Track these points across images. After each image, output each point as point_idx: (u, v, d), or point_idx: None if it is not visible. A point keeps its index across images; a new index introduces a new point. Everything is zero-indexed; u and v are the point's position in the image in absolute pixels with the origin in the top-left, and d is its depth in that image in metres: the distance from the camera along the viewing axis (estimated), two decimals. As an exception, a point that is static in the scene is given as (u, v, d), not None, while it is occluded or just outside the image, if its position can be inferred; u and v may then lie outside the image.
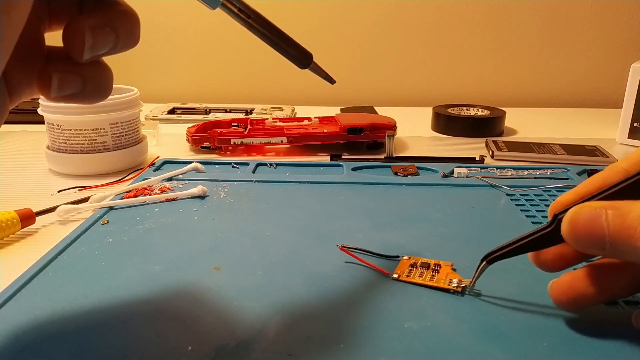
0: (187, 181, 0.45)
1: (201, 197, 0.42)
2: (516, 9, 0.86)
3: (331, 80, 0.28)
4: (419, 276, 0.29)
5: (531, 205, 0.41)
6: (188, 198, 0.41)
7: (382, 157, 0.54)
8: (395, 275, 0.29)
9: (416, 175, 0.48)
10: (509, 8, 0.86)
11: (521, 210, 0.40)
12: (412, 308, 0.27)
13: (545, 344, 0.24)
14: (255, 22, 0.24)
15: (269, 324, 0.25)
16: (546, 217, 0.38)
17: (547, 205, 0.41)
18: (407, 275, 0.29)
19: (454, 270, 0.30)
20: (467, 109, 0.70)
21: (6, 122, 0.69)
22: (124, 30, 0.22)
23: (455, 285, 0.28)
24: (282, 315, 0.26)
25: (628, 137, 0.61)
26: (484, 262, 0.27)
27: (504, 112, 0.68)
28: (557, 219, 0.24)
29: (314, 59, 0.27)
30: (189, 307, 0.26)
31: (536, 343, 0.24)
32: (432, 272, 0.29)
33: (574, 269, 0.25)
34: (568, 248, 0.25)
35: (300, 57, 0.26)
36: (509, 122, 0.70)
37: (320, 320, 0.25)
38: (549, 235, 0.25)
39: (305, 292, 0.28)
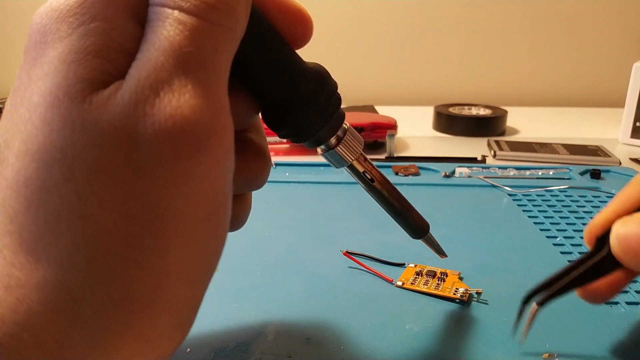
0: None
1: (201, 197, 0.41)
2: (518, 8, 0.85)
3: (443, 254, 0.26)
4: (423, 284, 0.28)
5: (533, 205, 0.40)
6: (187, 198, 0.41)
7: (383, 157, 0.54)
8: (399, 283, 0.28)
9: (417, 175, 0.47)
10: (511, 7, 0.85)
11: (523, 211, 0.39)
12: (413, 310, 0.26)
13: (548, 345, 0.23)
14: (379, 186, 0.22)
15: (268, 326, 0.25)
16: (548, 217, 0.38)
17: (549, 206, 0.40)
18: (412, 283, 0.28)
19: (461, 279, 0.29)
20: (468, 108, 0.70)
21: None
22: (261, 180, 0.21)
23: (461, 295, 0.27)
24: (281, 317, 0.25)
25: (631, 137, 0.61)
26: (538, 307, 0.22)
27: (506, 112, 0.68)
28: (605, 242, 0.21)
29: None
30: (188, 308, 0.26)
31: (538, 344, 0.24)
32: (438, 280, 0.28)
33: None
34: (620, 271, 0.22)
35: (418, 227, 0.24)
36: (510, 122, 0.69)
37: (320, 322, 0.25)
38: (602, 262, 0.21)
39: (305, 293, 0.28)
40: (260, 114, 0.20)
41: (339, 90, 0.20)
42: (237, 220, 0.21)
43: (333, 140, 0.20)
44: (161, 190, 0.13)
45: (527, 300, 0.22)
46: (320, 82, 0.19)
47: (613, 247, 0.21)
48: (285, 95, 0.18)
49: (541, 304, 0.22)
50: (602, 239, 0.21)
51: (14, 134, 0.14)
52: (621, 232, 0.20)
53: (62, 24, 0.14)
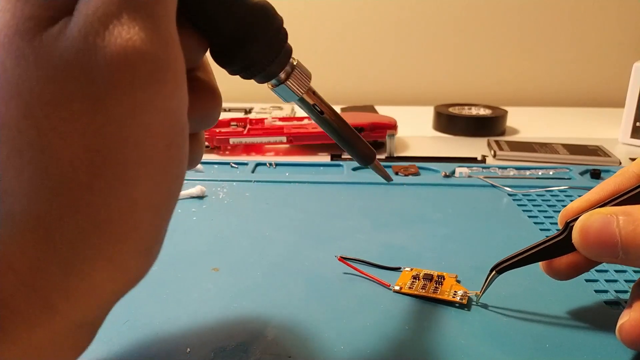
0: (186, 181, 0.45)
1: (200, 197, 0.41)
2: (518, 8, 0.85)
3: (388, 178, 0.27)
4: (421, 288, 0.28)
5: (533, 205, 0.40)
6: (187, 198, 0.41)
7: (383, 156, 0.54)
8: (396, 287, 0.28)
9: (417, 175, 0.47)
10: (510, 7, 0.85)
11: (523, 211, 0.39)
12: (413, 310, 0.26)
13: (547, 345, 0.24)
14: (329, 117, 0.23)
15: (268, 326, 0.25)
16: (548, 217, 0.38)
17: (550, 206, 0.40)
18: (410, 288, 0.28)
19: (459, 281, 0.29)
20: (468, 108, 0.70)
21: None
22: (212, 117, 0.21)
23: (460, 297, 0.27)
24: (281, 317, 0.25)
25: (630, 137, 0.61)
26: (494, 272, 0.26)
27: (506, 112, 0.68)
28: (568, 226, 0.24)
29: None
30: (188, 308, 0.26)
31: (538, 344, 0.24)
32: (436, 284, 0.28)
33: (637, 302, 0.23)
34: (581, 255, 0.24)
35: (365, 155, 0.25)
36: (510, 122, 0.69)
37: (320, 322, 0.25)
38: (561, 243, 0.24)
39: (305, 293, 0.28)
40: (209, 53, 0.20)
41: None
42: (192, 158, 0.21)
43: (282, 75, 0.21)
44: (119, 121, 0.14)
45: (494, 269, 0.26)
46: (266, 17, 0.19)
47: (573, 234, 0.23)
48: (232, 30, 0.19)
49: (499, 271, 0.26)
50: (570, 223, 0.24)
51: None
52: (584, 224, 0.22)
53: None
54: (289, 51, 0.21)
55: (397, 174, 0.47)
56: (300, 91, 0.22)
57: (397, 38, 0.87)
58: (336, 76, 0.88)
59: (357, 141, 0.25)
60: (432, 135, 0.66)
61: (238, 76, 0.21)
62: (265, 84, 0.21)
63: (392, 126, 0.57)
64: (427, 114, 0.71)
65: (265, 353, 0.23)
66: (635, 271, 0.30)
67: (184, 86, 0.16)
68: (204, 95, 0.20)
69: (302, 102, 0.22)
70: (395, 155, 0.54)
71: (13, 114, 0.14)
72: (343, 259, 0.30)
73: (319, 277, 0.29)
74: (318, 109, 0.23)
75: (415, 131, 0.67)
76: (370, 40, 0.88)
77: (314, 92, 0.22)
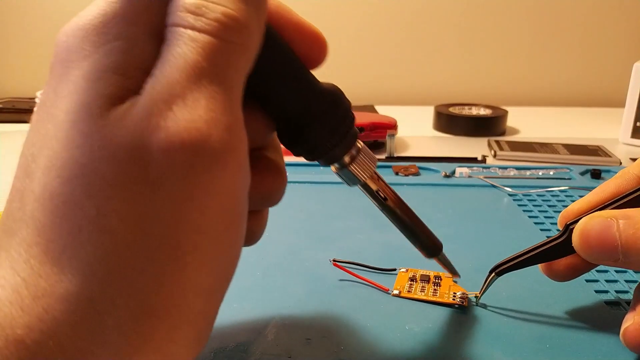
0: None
1: (201, 197, 0.41)
2: (518, 8, 0.85)
3: (456, 274, 0.26)
4: (420, 291, 0.28)
5: (533, 205, 0.40)
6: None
7: (383, 156, 0.54)
8: (395, 292, 0.28)
9: (417, 175, 0.47)
10: (511, 6, 0.85)
11: (523, 211, 0.39)
12: (413, 310, 0.26)
13: (548, 345, 0.23)
14: (392, 204, 0.22)
15: (268, 326, 0.25)
16: (548, 217, 0.38)
17: (550, 206, 0.40)
18: (408, 291, 0.28)
19: (456, 281, 0.29)
20: (468, 108, 0.70)
21: (4, 122, 0.69)
22: (276, 196, 0.21)
23: (460, 299, 0.27)
24: (281, 317, 0.25)
25: (631, 137, 0.61)
26: (493, 274, 0.26)
27: (506, 112, 0.68)
28: (568, 229, 0.24)
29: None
30: (187, 308, 0.26)
31: (538, 345, 0.23)
32: (434, 285, 0.28)
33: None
34: (580, 257, 0.24)
35: (431, 246, 0.24)
36: (511, 122, 0.69)
37: (320, 322, 0.25)
38: (561, 246, 0.24)
39: (305, 294, 0.28)
40: (276, 133, 0.20)
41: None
42: (253, 235, 0.21)
43: (347, 158, 0.20)
44: (177, 204, 0.14)
45: (493, 270, 0.26)
46: (334, 101, 0.19)
47: (573, 238, 0.23)
48: (299, 113, 0.18)
49: (499, 273, 0.26)
50: (570, 225, 0.24)
51: (41, 148, 0.14)
52: (585, 228, 0.22)
53: (86, 43, 0.14)
54: (354, 135, 0.20)
55: (397, 174, 0.47)
56: (363, 176, 0.21)
57: (398, 38, 0.87)
58: (336, 76, 0.87)
59: (422, 231, 0.24)
60: (432, 135, 0.66)
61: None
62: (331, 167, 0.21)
63: (392, 126, 0.57)
64: (427, 113, 0.71)
65: (265, 353, 0.23)
66: (636, 272, 0.30)
67: (246, 168, 0.15)
68: (269, 175, 0.20)
69: (365, 188, 0.22)
70: (395, 155, 0.54)
71: (77, 192, 0.13)
72: (337, 263, 0.30)
73: (319, 277, 0.29)
74: (382, 195, 0.22)
75: (416, 131, 0.67)
76: (371, 40, 0.87)
77: (379, 177, 0.22)
